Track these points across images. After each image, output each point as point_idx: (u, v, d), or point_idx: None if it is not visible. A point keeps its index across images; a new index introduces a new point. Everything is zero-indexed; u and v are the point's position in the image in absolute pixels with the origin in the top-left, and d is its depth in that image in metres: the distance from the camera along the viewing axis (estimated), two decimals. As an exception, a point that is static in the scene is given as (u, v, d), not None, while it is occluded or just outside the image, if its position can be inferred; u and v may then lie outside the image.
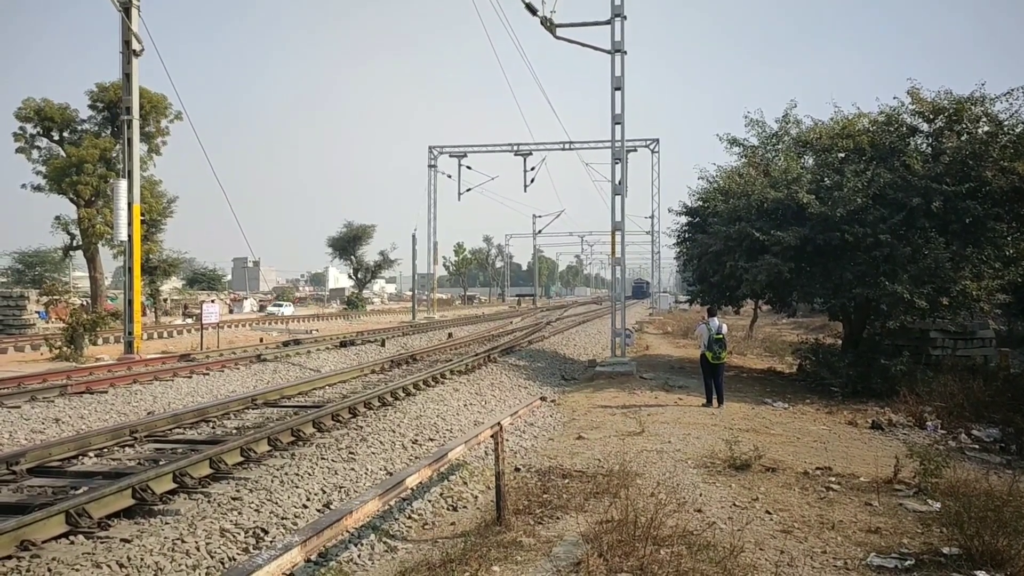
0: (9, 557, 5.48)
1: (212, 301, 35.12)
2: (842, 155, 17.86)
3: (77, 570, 5.24)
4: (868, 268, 15.99)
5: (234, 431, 10.57)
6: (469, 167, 49.09)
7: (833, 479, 8.66)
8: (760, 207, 17.19)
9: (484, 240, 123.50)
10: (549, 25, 19.68)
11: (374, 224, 67.03)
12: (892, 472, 8.55)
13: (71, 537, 5.97)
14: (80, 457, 8.79)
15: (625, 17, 19.50)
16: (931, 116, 17.01)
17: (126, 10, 18.95)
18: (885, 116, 17.78)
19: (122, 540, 5.89)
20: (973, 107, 16.46)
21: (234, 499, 6.98)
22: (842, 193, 15.85)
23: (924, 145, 17.45)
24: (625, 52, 19.51)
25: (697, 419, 12.52)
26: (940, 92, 16.87)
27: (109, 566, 5.32)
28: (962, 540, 6.08)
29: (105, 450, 9.16)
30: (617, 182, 20.14)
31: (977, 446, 11.64)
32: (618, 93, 19.62)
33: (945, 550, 6.10)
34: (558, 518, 6.90)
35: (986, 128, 16.52)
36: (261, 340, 28.42)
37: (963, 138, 16.43)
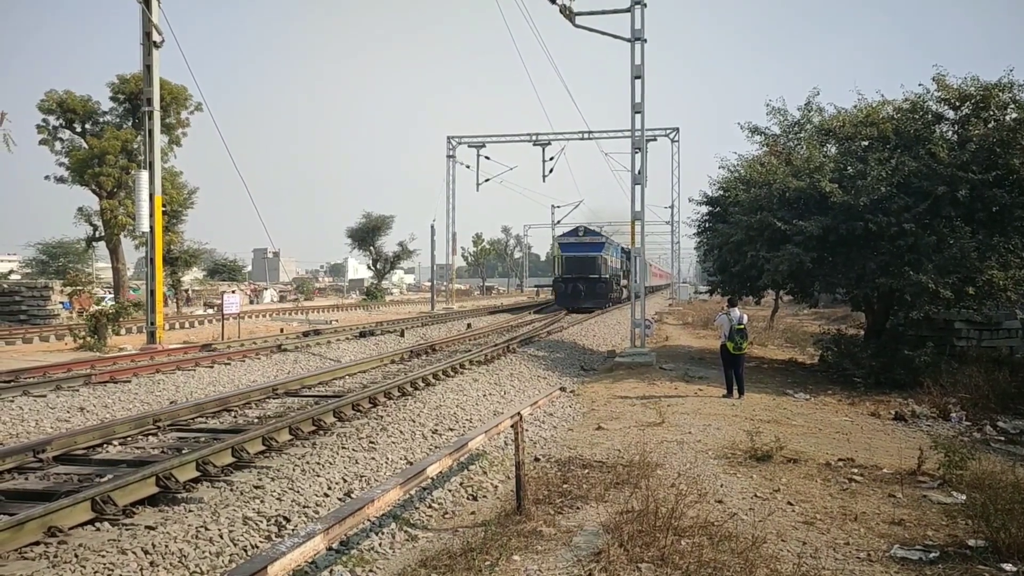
0: (37, 543, 5.56)
1: (233, 292, 35.33)
2: (866, 143, 17.62)
3: (103, 556, 5.31)
4: (892, 258, 15.79)
5: (256, 420, 10.66)
6: (487, 157, 49.00)
7: (856, 470, 8.58)
8: (782, 196, 17.01)
9: (503, 230, 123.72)
10: (568, 13, 19.55)
11: (393, 215, 67.13)
12: (916, 464, 8.46)
13: (97, 524, 6.05)
14: (105, 445, 8.90)
15: (645, 5, 19.33)
16: (957, 103, 16.73)
17: (146, 2, 19.06)
18: (910, 103, 17.50)
19: (147, 527, 5.96)
20: (1001, 94, 16.17)
21: (256, 487, 7.04)
22: (866, 182, 15.65)
23: (950, 133, 17.17)
24: (645, 40, 19.35)
25: (717, 410, 12.45)
26: (967, 79, 16.58)
27: (134, 552, 5.38)
28: (988, 533, 6.00)
29: (129, 438, 9.27)
30: (637, 171, 20.03)
31: (1003, 438, 11.49)
32: (638, 82, 19.47)
33: (971, 542, 6.03)
34: (578, 508, 6.89)
35: (1014, 115, 16.21)
36: (281, 330, 28.62)
37: (990, 125, 16.13)
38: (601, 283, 39.24)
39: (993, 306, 17.22)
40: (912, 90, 17.68)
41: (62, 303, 34.30)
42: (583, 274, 38.97)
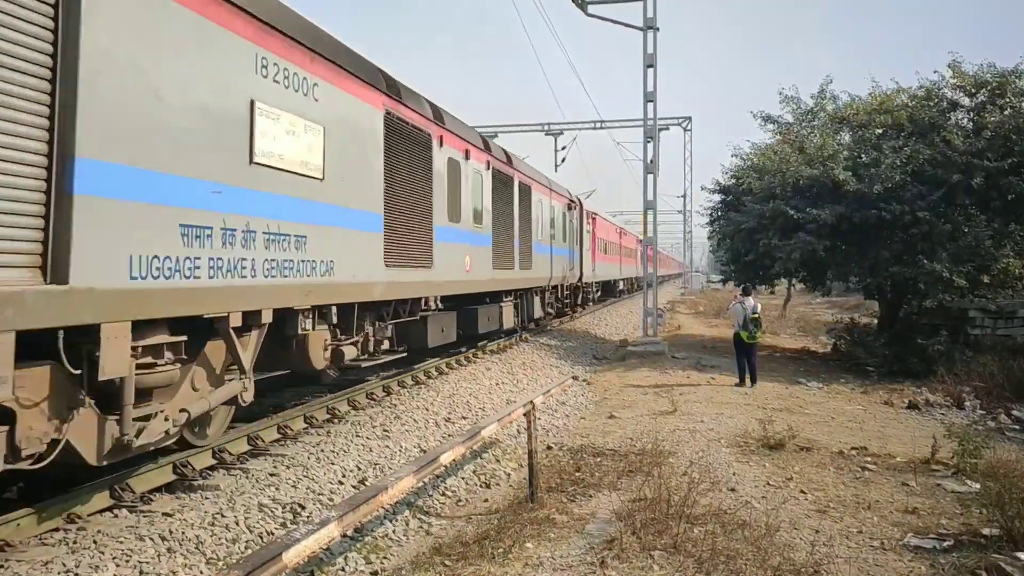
0: (57, 529, 5.64)
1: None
2: (880, 131, 17.49)
3: (121, 543, 5.37)
4: (906, 246, 15.71)
5: (270, 409, 10.72)
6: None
7: (869, 459, 8.57)
8: (795, 184, 16.94)
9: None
10: (580, 2, 19.47)
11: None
12: (929, 452, 8.44)
13: (115, 511, 6.11)
14: (122, 434, 8.96)
15: (657, -7, 19.21)
16: (973, 90, 16.59)
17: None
18: (925, 91, 17.36)
19: (164, 514, 6.01)
20: (1017, 80, 16.01)
21: (271, 475, 7.10)
22: (879, 170, 15.55)
23: (965, 120, 17.02)
24: (658, 29, 19.22)
25: (730, 399, 12.44)
26: (982, 65, 16.45)
27: (152, 539, 5.44)
28: (1002, 521, 5.98)
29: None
30: (649, 161, 19.96)
31: (1018, 427, 11.44)
32: (650, 71, 19.36)
33: (985, 531, 6.01)
34: (591, 496, 6.92)
35: (1030, 102, 16.07)
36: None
37: (1006, 112, 15.99)
38: None
39: (1008, 294, 17.11)
40: (927, 77, 17.54)
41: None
42: None
